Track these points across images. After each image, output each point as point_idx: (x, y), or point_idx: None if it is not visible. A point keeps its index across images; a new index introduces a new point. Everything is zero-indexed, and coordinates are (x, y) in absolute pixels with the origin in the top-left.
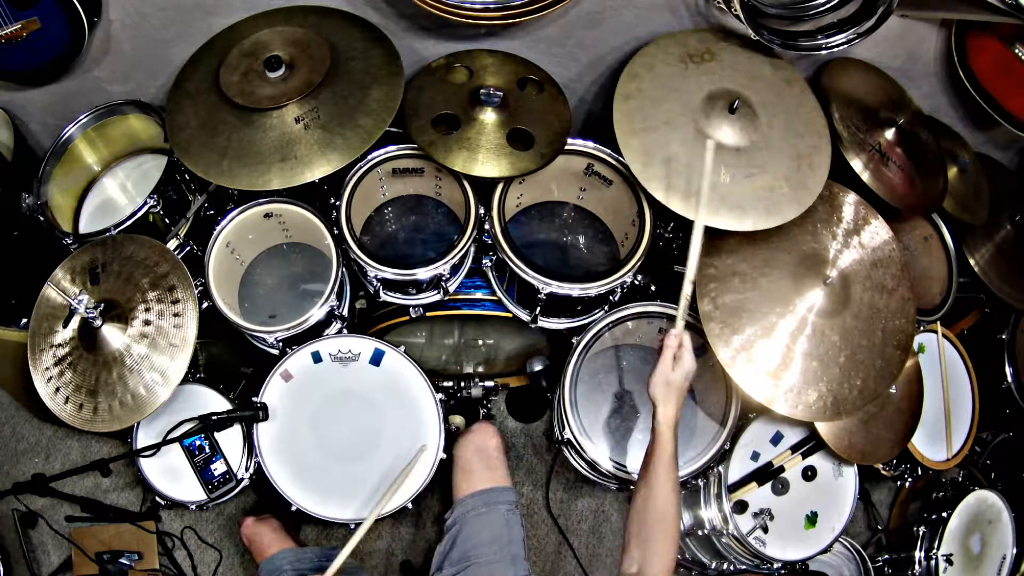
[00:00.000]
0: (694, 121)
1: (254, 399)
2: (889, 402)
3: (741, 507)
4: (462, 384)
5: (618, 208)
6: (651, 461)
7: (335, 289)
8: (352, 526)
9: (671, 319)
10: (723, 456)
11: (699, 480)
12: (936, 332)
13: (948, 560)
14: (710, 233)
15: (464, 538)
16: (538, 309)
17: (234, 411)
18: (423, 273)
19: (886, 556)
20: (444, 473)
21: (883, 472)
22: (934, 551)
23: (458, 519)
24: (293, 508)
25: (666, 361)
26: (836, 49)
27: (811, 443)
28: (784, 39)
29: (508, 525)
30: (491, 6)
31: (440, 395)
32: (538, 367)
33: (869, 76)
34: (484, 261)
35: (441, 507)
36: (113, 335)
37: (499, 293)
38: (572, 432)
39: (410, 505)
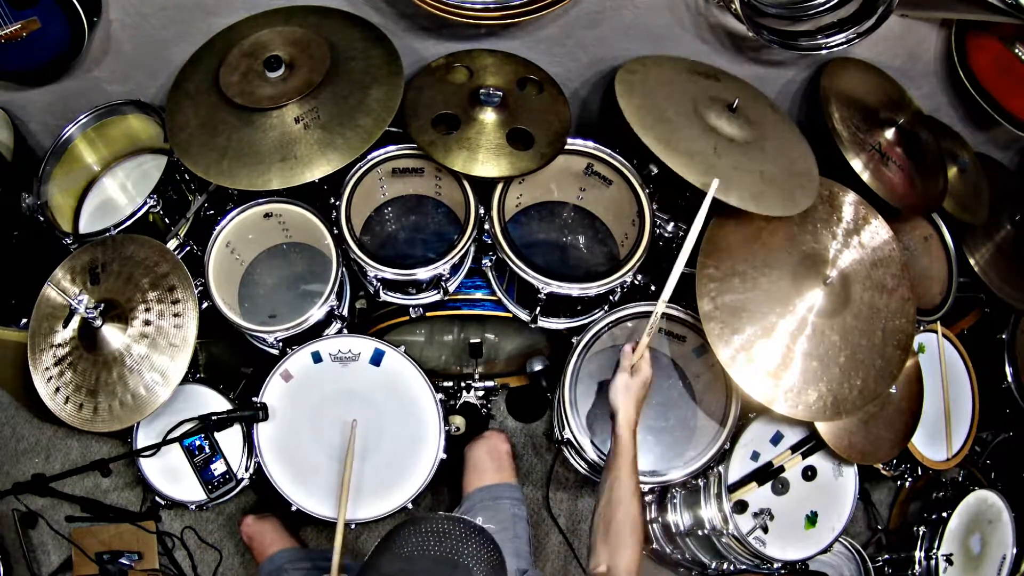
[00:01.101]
0: (694, 104)
1: (254, 399)
2: (889, 402)
3: (741, 507)
4: (462, 384)
5: (618, 208)
6: (614, 463)
7: (335, 289)
8: (353, 526)
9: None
10: (723, 456)
11: (699, 480)
12: (936, 332)
13: (948, 560)
14: (709, 233)
15: None
16: (538, 309)
17: (234, 411)
18: (423, 273)
19: (886, 556)
20: (444, 473)
21: (883, 472)
22: (934, 551)
23: (466, 512)
24: (293, 508)
25: (625, 370)
26: (836, 49)
27: (811, 443)
28: (784, 39)
29: (513, 520)
30: (491, 6)
31: (440, 395)
32: (538, 367)
33: (869, 76)
34: (484, 261)
35: (441, 507)
36: (113, 335)
37: (499, 293)
38: (572, 432)
39: (410, 505)
